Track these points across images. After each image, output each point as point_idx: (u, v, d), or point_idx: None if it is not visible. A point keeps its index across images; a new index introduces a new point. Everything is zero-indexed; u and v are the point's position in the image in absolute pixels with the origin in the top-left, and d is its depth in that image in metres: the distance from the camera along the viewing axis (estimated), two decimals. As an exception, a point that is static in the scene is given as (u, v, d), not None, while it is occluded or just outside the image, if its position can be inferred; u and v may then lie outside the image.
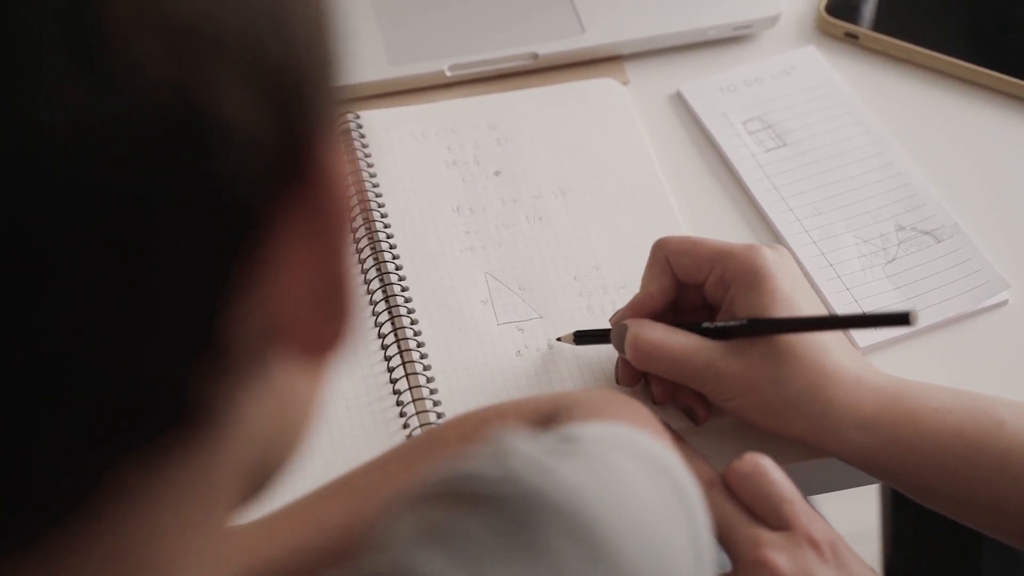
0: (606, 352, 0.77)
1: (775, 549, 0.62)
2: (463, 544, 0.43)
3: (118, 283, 0.33)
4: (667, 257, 0.73)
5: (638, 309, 0.74)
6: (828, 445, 0.69)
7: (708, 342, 0.71)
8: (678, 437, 0.73)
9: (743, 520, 0.64)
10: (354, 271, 0.80)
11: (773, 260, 0.71)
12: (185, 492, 0.38)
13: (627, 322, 0.73)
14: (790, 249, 0.82)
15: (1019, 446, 0.67)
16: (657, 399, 0.75)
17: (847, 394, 0.68)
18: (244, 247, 0.36)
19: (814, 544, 0.62)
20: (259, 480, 0.44)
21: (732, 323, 0.70)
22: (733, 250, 0.72)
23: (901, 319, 0.65)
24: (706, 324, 0.71)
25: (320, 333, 0.40)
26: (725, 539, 0.64)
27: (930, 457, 0.68)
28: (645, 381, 0.76)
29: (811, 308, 0.71)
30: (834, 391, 0.68)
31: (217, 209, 0.34)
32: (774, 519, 0.63)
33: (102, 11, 0.32)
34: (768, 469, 0.65)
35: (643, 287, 0.75)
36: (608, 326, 0.76)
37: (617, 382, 0.76)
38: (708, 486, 0.66)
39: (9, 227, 0.32)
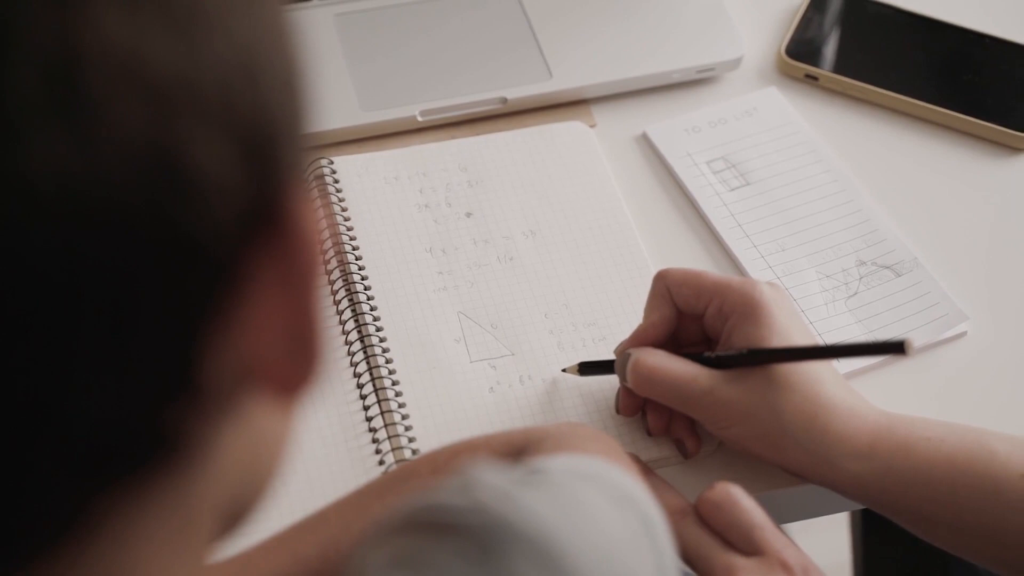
0: (583, 387, 0.79)
1: (749, 574, 0.63)
2: (432, 572, 0.44)
3: (96, 332, 0.35)
4: (668, 288, 0.75)
5: (640, 338, 0.76)
6: (823, 474, 0.71)
7: (708, 370, 0.72)
8: (648, 469, 0.74)
9: (716, 547, 0.65)
10: (329, 312, 0.82)
11: (770, 294, 0.73)
12: (164, 524, 0.40)
13: (630, 350, 0.75)
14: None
15: (1011, 474, 0.69)
16: (652, 430, 0.77)
17: (842, 424, 0.70)
18: (217, 295, 0.37)
19: (787, 568, 0.63)
20: (235, 514, 0.45)
21: (731, 352, 0.72)
22: (732, 283, 0.74)
23: (896, 348, 0.66)
24: (706, 354, 0.73)
25: (291, 374, 0.41)
26: (700, 567, 0.66)
27: (923, 486, 0.69)
28: (642, 413, 0.78)
29: (805, 341, 0.72)
30: (829, 421, 0.70)
31: (191, 260, 0.36)
32: (747, 545, 0.65)
33: (85, 71, 0.33)
34: (739, 497, 0.66)
35: (645, 317, 0.77)
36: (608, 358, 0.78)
37: (617, 411, 0.78)
38: (681, 515, 0.67)
39: None
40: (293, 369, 0.41)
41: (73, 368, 0.35)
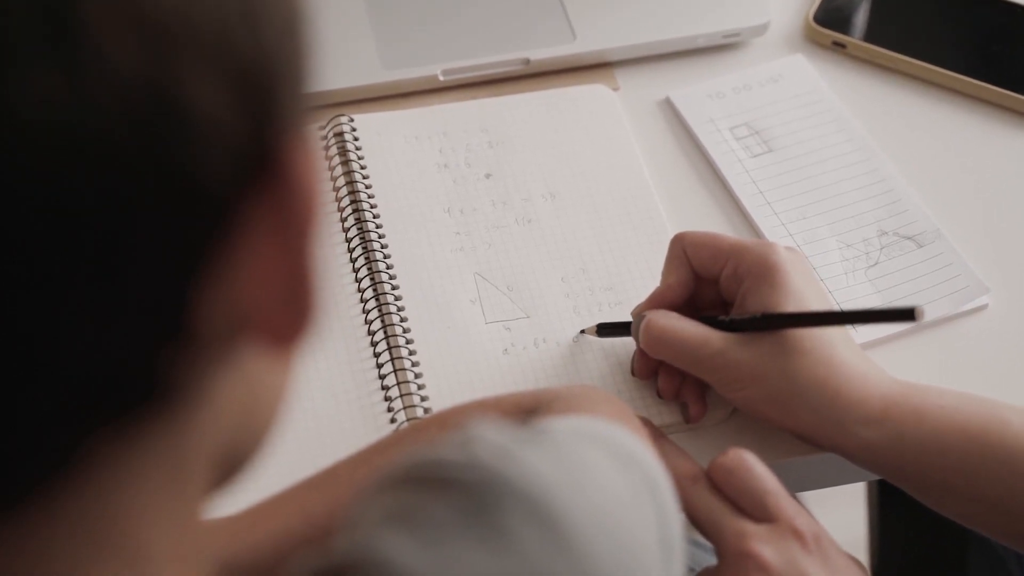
0: (597, 351, 0.79)
1: (760, 541, 0.63)
2: (427, 526, 0.44)
3: (91, 269, 0.35)
4: (685, 250, 0.75)
5: (657, 301, 0.76)
6: (833, 439, 0.70)
7: (720, 332, 0.72)
8: (660, 434, 0.74)
9: (728, 514, 0.65)
10: (345, 270, 0.82)
11: (787, 257, 0.72)
12: (156, 469, 0.40)
13: (645, 312, 0.75)
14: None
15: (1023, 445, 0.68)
16: (662, 393, 0.77)
17: (855, 389, 0.69)
18: (212, 238, 0.37)
19: (798, 535, 0.63)
20: (230, 466, 0.45)
21: (745, 316, 0.72)
22: (749, 245, 0.73)
23: (907, 315, 0.66)
24: (720, 317, 0.73)
25: (286, 324, 0.41)
26: (711, 533, 0.65)
27: (935, 454, 0.68)
28: (656, 376, 0.77)
29: (821, 306, 0.72)
30: (842, 385, 0.69)
31: (186, 200, 0.36)
32: (759, 512, 0.64)
33: (80, 8, 0.33)
34: (751, 463, 0.66)
35: (662, 280, 0.77)
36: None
37: (632, 374, 0.78)
38: (693, 481, 0.67)
39: None
40: (288, 320, 0.41)
41: (65, 304, 0.34)
